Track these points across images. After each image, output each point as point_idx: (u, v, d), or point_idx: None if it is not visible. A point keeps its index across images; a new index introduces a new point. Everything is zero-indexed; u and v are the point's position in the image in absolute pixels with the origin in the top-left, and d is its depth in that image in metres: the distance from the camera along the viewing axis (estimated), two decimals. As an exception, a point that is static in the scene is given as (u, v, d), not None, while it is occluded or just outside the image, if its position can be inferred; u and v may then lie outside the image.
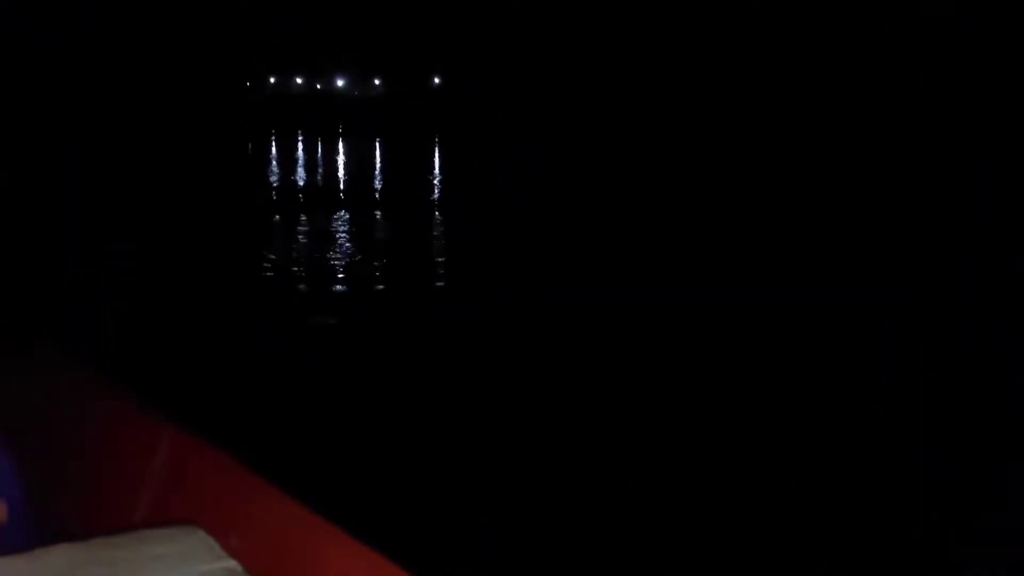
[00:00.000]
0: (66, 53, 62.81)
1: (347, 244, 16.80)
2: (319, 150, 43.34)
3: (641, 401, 7.49)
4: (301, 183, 28.68)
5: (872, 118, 21.30)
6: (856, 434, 6.63)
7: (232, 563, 2.48)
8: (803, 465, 6.17)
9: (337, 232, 18.17)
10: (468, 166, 33.00)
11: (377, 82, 77.74)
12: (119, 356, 8.74)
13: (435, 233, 18.91)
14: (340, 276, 13.96)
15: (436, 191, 26.85)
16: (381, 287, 13.48)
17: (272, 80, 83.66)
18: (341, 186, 28.33)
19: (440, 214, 21.75)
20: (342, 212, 21.45)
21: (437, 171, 33.53)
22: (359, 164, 35.41)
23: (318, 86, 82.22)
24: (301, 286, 13.47)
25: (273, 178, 30.43)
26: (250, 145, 43.24)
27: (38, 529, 2.68)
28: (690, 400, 7.38)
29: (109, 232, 17.94)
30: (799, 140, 18.57)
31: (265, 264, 15.05)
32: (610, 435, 6.86)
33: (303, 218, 20.48)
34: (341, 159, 39.33)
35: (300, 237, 17.97)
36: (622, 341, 9.75)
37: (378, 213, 22.20)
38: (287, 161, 37.39)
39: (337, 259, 15.41)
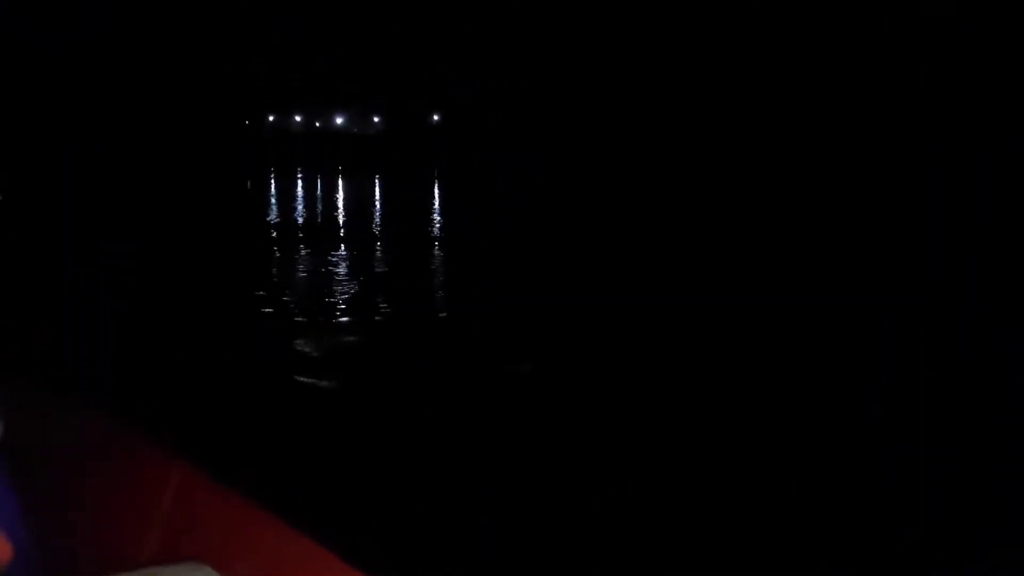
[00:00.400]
0: (66, 53, 63.03)
1: (345, 274, 16.88)
2: (319, 187, 43.56)
3: (641, 400, 7.48)
4: (300, 220, 28.83)
5: (872, 118, 21.36)
6: (856, 434, 6.59)
7: (240, 599, 2.52)
8: (803, 465, 6.14)
9: (336, 264, 18.26)
10: (469, 168, 33.16)
11: (376, 119, 78.33)
12: (118, 356, 8.81)
13: (434, 258, 18.99)
14: (339, 299, 14.02)
15: (436, 226, 27.00)
16: (381, 315, 13.54)
17: (271, 118, 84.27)
18: (341, 222, 28.47)
19: (439, 244, 21.87)
20: (341, 247, 21.57)
21: (437, 206, 33.71)
22: (359, 201, 35.59)
23: (317, 124, 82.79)
24: (299, 318, 13.55)
25: (272, 216, 30.60)
26: (249, 183, 43.49)
27: (44, 568, 2.70)
28: (690, 400, 7.35)
29: (109, 232, 18.02)
30: (799, 140, 18.62)
31: (262, 293, 15.12)
32: (610, 434, 6.85)
33: (302, 251, 20.59)
34: (341, 196, 39.53)
35: (299, 268, 18.07)
36: (622, 341, 9.73)
37: (378, 248, 22.32)
38: (286, 198, 37.57)
39: (336, 286, 15.48)
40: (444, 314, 11.33)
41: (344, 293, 15.64)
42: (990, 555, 4.94)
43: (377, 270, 18.88)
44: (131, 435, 3.10)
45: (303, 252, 20.88)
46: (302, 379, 9.61)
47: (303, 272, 18.21)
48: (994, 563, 4.84)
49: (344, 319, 13.41)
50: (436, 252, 21.56)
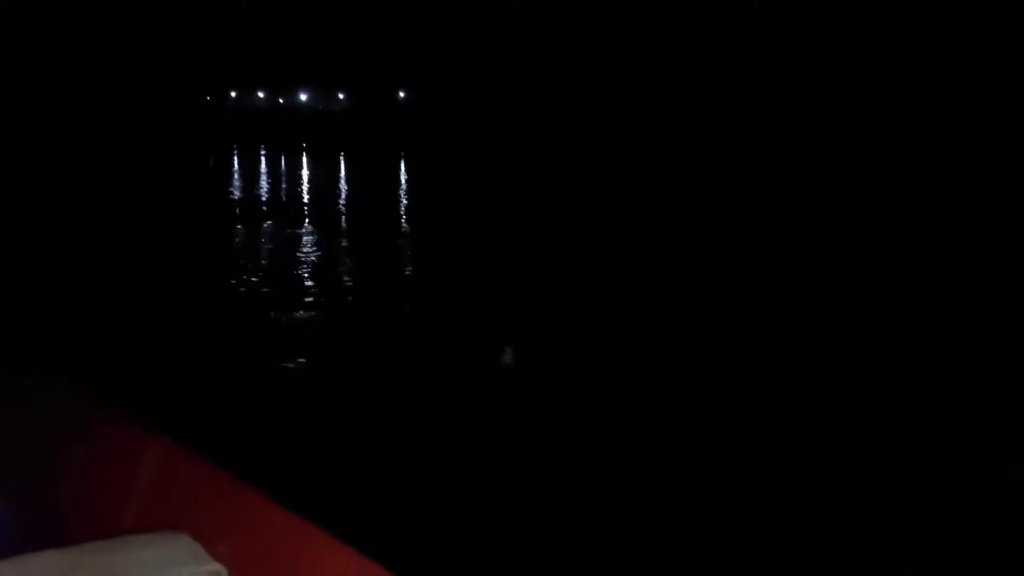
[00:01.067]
0: (18, 25, 61.63)
1: (312, 252, 16.75)
2: (283, 165, 43.13)
3: (623, 388, 7.44)
4: (264, 197, 28.54)
5: (872, 118, 21.38)
6: (856, 433, 6.59)
7: (217, 566, 2.48)
8: (803, 464, 6.14)
9: (301, 242, 18.11)
10: (432, 173, 33.01)
11: (341, 96, 77.61)
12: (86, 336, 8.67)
13: (401, 243, 18.90)
14: (308, 286, 13.90)
15: (402, 204, 26.85)
16: (350, 296, 13.45)
17: (233, 94, 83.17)
18: (305, 200, 28.23)
19: (407, 224, 21.75)
20: (306, 224, 21.38)
21: (403, 184, 33.52)
22: (324, 178, 35.28)
23: (281, 100, 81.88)
24: (265, 289, 13.43)
25: (235, 193, 30.27)
26: (211, 160, 42.95)
27: (23, 537, 2.66)
28: (689, 400, 7.28)
29: (66, 211, 17.72)
30: (798, 141, 18.59)
31: (228, 272, 14.95)
32: (607, 434, 6.80)
33: (266, 229, 20.39)
34: (305, 173, 39.17)
35: (264, 246, 17.89)
36: (601, 321, 9.70)
37: (344, 225, 22.16)
38: (250, 176, 37.16)
39: (302, 264, 15.35)
40: (408, 317, 11.26)
41: (310, 271, 15.51)
42: (990, 554, 4.98)
43: (344, 248, 18.75)
44: (109, 409, 3.06)
45: (267, 230, 20.67)
46: (274, 359, 9.54)
47: (267, 250, 18.03)
48: (994, 563, 4.89)
49: (311, 299, 13.31)
50: (403, 229, 21.45)
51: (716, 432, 6.70)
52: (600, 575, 4.95)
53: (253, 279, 14.95)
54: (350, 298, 13.48)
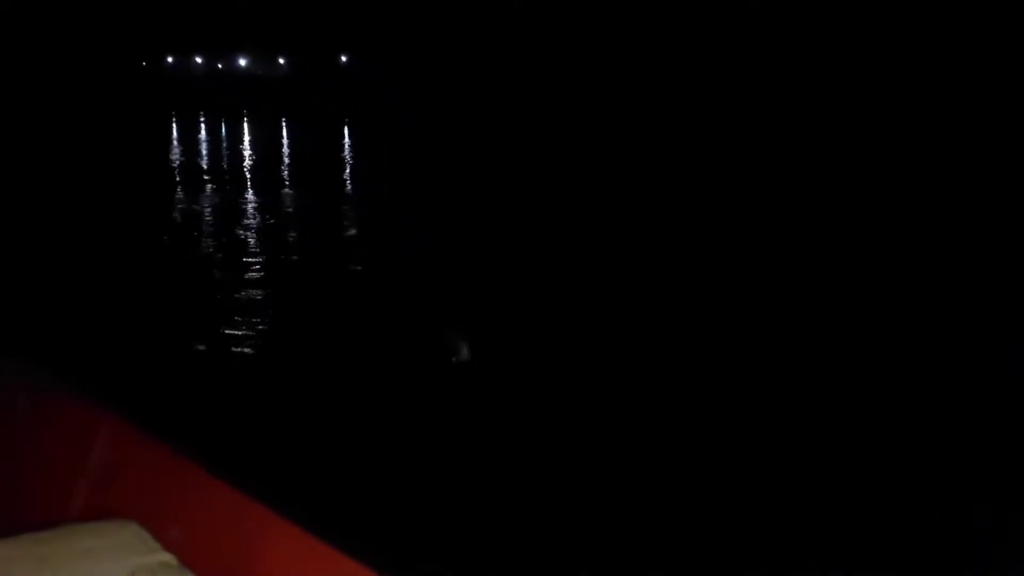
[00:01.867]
0: None
1: (254, 220, 16.44)
2: (223, 131, 42.29)
3: (582, 374, 7.35)
4: (204, 164, 27.96)
5: (872, 118, 21.38)
6: (856, 433, 6.57)
7: (167, 556, 2.38)
8: (803, 464, 6.11)
9: (244, 210, 17.77)
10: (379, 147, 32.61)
11: (282, 61, 76.17)
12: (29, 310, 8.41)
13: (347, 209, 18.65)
14: (252, 260, 13.66)
15: (347, 170, 26.49)
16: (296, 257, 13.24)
17: (170, 59, 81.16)
18: (247, 166, 27.71)
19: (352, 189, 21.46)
20: (249, 192, 21.00)
21: (347, 151, 33.06)
22: (265, 144, 34.65)
23: (219, 66, 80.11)
24: (207, 257, 13.18)
25: (174, 160, 29.61)
26: (148, 126, 41.93)
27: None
28: (688, 399, 7.18)
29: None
30: (798, 140, 18.51)
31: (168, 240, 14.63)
32: (603, 434, 6.68)
33: (207, 194, 19.99)
34: (247, 139, 38.46)
35: (205, 214, 17.53)
36: (552, 301, 9.59)
37: (287, 191, 21.80)
38: (190, 142, 36.39)
39: (247, 236, 15.07)
40: (359, 267, 11.07)
41: (254, 240, 15.24)
42: (991, 554, 5.02)
43: (288, 213, 18.44)
44: (59, 389, 2.93)
45: (208, 196, 20.26)
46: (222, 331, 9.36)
47: (208, 218, 17.67)
48: (995, 562, 4.93)
49: (255, 268, 13.09)
50: (347, 194, 21.17)
51: (715, 432, 6.60)
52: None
53: (194, 246, 14.66)
54: (295, 264, 13.29)
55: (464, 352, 6.77)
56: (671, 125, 20.71)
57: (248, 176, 25.14)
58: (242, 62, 79.98)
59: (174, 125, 44.75)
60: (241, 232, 15.70)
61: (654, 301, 9.48)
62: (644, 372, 7.67)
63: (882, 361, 7.95)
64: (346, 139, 37.39)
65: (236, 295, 11.29)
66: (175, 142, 36.80)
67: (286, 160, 30.35)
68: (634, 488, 5.79)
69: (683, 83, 28.11)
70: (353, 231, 15.83)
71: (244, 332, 9.67)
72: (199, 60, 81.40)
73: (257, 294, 11.46)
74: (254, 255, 13.78)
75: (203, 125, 45.85)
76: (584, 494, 5.69)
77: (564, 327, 8.70)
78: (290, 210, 18.98)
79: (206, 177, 24.19)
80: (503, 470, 6.00)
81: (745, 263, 10.76)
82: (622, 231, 12.00)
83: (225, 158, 30.60)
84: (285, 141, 37.88)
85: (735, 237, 11.78)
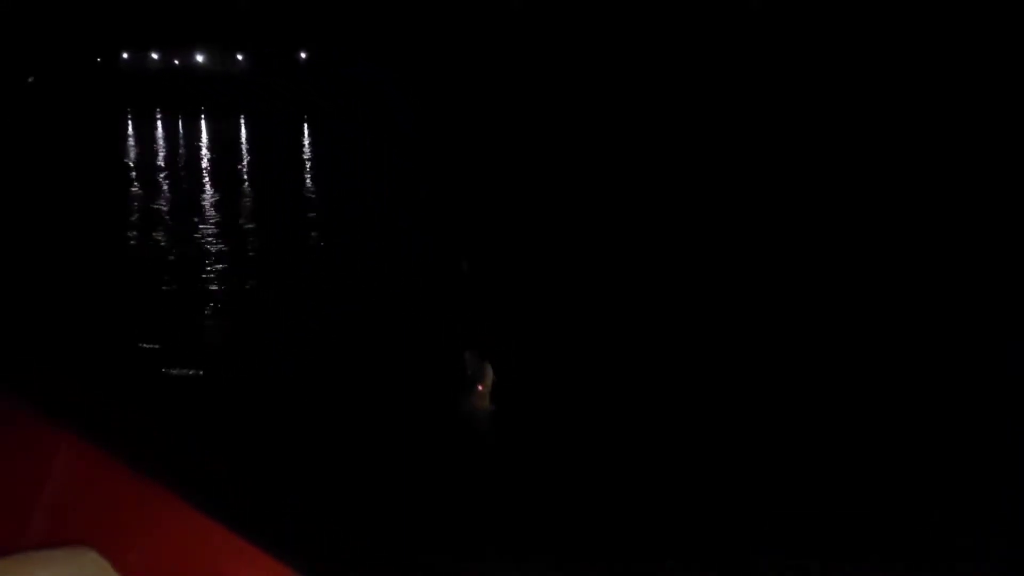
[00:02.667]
0: None
1: (213, 218, 16.12)
2: (180, 129, 41.69)
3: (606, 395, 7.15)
4: (161, 162, 27.47)
5: (872, 118, 21.39)
6: (856, 433, 6.52)
7: (125, 587, 2.20)
8: (803, 464, 6.07)
9: (203, 209, 17.43)
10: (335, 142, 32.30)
11: (240, 57, 75.29)
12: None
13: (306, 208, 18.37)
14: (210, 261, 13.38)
15: (306, 169, 26.16)
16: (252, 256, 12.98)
17: (125, 56, 79.89)
18: (204, 164, 27.27)
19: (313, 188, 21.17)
20: (207, 188, 20.64)
21: (307, 149, 32.68)
22: (224, 142, 34.16)
23: (176, 62, 78.99)
24: (166, 254, 12.90)
25: (130, 158, 29.08)
26: (103, 124, 41.20)
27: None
28: (687, 399, 7.08)
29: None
30: (798, 140, 18.45)
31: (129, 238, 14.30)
32: (598, 434, 6.55)
33: (164, 191, 19.61)
34: (204, 138, 37.92)
35: (163, 208, 17.17)
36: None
37: (246, 188, 21.46)
38: (145, 140, 35.78)
39: (206, 237, 14.77)
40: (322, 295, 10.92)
41: (213, 235, 14.94)
42: (990, 555, 4.97)
43: (248, 208, 18.13)
44: (10, 402, 2.71)
45: (165, 193, 19.89)
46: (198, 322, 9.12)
47: (166, 213, 17.31)
48: (994, 562, 4.88)
49: (212, 263, 12.82)
50: (308, 190, 20.88)
51: (715, 432, 6.53)
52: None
53: (152, 243, 14.34)
54: (254, 260, 13.03)
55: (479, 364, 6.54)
56: (671, 125, 20.68)
57: (205, 173, 24.73)
58: (199, 58, 78.97)
59: (129, 122, 44.00)
60: (196, 226, 15.38)
61: (654, 301, 9.37)
62: (644, 372, 7.56)
63: (882, 361, 7.90)
64: (306, 135, 36.99)
65: (189, 286, 11.03)
66: (130, 139, 36.14)
67: (245, 157, 29.93)
68: (634, 488, 5.72)
69: (683, 83, 28.16)
70: (315, 234, 15.61)
71: (194, 316, 9.43)
72: (155, 56, 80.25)
73: (218, 290, 11.20)
74: (213, 253, 13.49)
75: (159, 121, 45.15)
76: (584, 494, 5.60)
77: (564, 327, 8.55)
78: (248, 204, 18.67)
79: (162, 175, 23.77)
80: (503, 471, 5.89)
81: (745, 263, 10.70)
82: (622, 230, 11.89)
83: (182, 155, 30.11)
84: (244, 138, 37.38)
85: (735, 236, 11.71)
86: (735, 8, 45.27)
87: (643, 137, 19.03)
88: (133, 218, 16.85)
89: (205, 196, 19.56)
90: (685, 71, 30.78)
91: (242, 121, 43.77)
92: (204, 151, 31.71)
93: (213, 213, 17.24)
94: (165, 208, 18.11)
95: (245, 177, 24.17)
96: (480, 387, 6.41)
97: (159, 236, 14.95)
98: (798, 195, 13.96)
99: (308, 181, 23.20)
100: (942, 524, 5.31)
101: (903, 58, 31.86)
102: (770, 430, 6.55)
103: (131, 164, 26.85)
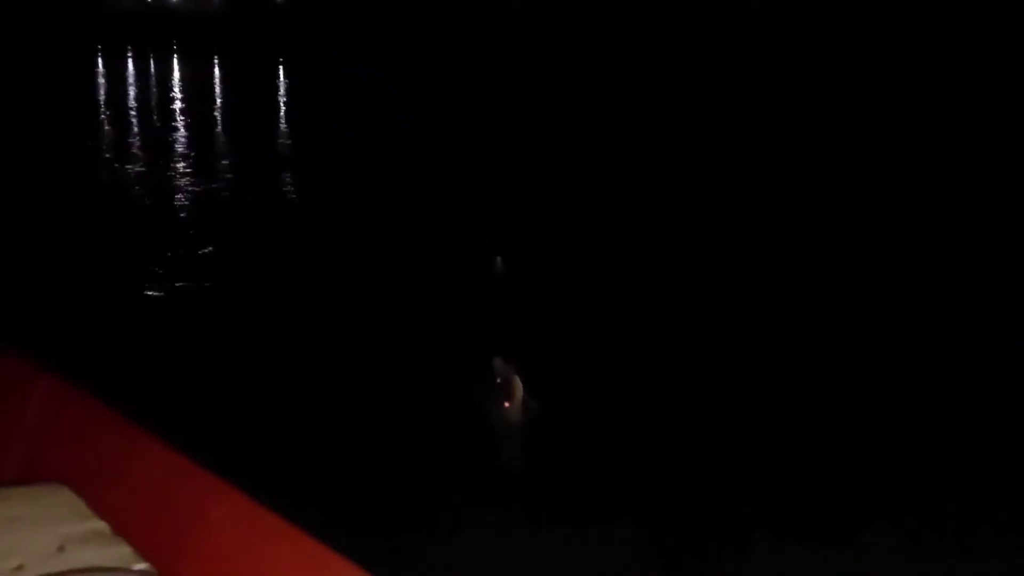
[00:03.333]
0: None
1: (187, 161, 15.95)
2: (151, 68, 40.93)
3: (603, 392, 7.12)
4: (133, 103, 27.04)
5: (872, 118, 21.23)
6: (856, 433, 6.52)
7: (99, 524, 2.24)
8: (803, 464, 6.08)
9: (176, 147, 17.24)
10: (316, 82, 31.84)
11: (214, -3, 73.67)
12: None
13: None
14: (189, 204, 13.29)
15: (281, 110, 25.84)
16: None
17: (97, -9, 77.94)
18: (178, 105, 26.86)
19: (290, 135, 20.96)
20: (180, 130, 20.39)
21: (282, 91, 32.23)
22: (197, 84, 33.58)
23: (149, 0, 77.26)
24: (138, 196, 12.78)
25: (100, 98, 28.58)
26: (72, 62, 40.36)
27: None
28: (688, 399, 7.04)
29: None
30: (798, 140, 18.31)
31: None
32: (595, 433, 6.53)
33: (136, 132, 19.36)
34: (176, 79, 37.28)
35: (136, 150, 16.95)
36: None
37: (218, 129, 21.23)
38: (116, 80, 35.13)
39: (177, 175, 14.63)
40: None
41: (186, 178, 14.82)
42: (992, 553, 5.02)
43: (221, 152, 17.95)
44: None
45: (137, 134, 19.63)
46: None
47: (138, 156, 17.11)
48: (994, 562, 4.92)
49: (185, 206, 12.74)
50: (281, 133, 20.69)
51: (714, 432, 6.51)
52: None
53: (125, 184, 14.21)
54: (227, 203, 12.96)
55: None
56: (671, 125, 20.55)
57: (179, 115, 24.39)
58: (172, -3, 77.20)
59: (99, 60, 43.09)
60: (169, 168, 15.24)
61: (653, 301, 9.33)
62: (644, 372, 7.52)
63: (882, 361, 7.87)
64: (281, 79, 36.44)
65: (162, 235, 10.97)
66: (101, 78, 35.44)
67: (218, 100, 29.49)
68: (634, 488, 5.74)
69: (683, 83, 27.94)
70: (290, 187, 15.47)
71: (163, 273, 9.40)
72: (127, -7, 78.36)
73: (185, 225, 11.15)
74: (183, 193, 13.40)
75: (130, 61, 44.26)
76: (584, 495, 5.62)
77: (564, 327, 8.51)
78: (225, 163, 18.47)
79: (134, 115, 23.42)
80: (503, 472, 5.90)
81: (745, 262, 10.68)
82: (622, 230, 11.83)
83: (154, 96, 29.60)
84: (217, 80, 36.78)
85: (735, 236, 11.69)
86: (735, 8, 44.96)
87: (643, 137, 18.95)
88: (100, 156, 16.66)
89: (175, 137, 19.32)
90: (685, 71, 30.60)
91: (216, 62, 43.04)
92: (176, 92, 31.20)
93: (182, 151, 17.06)
94: (135, 147, 17.90)
95: (216, 117, 23.87)
96: (508, 404, 6.23)
97: (122, 173, 14.81)
98: (798, 195, 13.93)
99: (282, 123, 22.97)
100: (942, 524, 5.34)
101: (903, 58, 31.80)
102: (770, 430, 6.53)
103: (99, 102, 26.42)
